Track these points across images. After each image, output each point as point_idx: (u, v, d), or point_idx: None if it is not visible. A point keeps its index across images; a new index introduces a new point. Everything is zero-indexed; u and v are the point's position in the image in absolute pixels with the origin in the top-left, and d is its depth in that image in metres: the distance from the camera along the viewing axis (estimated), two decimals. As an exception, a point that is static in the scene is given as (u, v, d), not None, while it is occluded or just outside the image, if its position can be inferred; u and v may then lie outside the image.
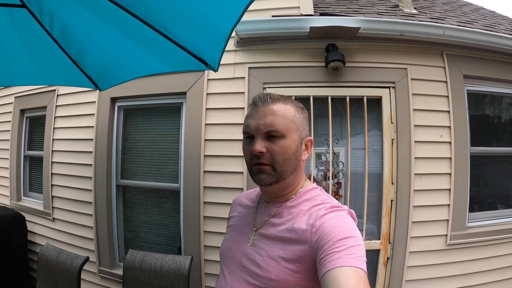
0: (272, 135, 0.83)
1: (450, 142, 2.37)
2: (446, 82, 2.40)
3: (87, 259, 2.22)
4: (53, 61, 1.84)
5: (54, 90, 3.18)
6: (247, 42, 2.42)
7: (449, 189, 2.35)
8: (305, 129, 0.90)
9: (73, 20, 1.54)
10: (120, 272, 2.60)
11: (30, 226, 3.38)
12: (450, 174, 2.36)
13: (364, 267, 0.67)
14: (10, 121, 3.72)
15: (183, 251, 2.47)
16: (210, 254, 2.40)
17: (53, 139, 3.15)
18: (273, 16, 2.41)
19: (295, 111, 0.88)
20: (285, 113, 0.85)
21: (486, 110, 2.75)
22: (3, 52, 1.84)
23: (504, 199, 2.80)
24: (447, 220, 2.34)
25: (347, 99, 2.35)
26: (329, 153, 2.38)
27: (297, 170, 0.88)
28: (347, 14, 2.55)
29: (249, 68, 2.41)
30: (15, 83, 2.57)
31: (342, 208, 0.82)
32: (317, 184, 0.97)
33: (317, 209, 0.82)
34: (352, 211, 0.85)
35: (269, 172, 0.84)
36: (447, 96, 2.39)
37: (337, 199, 2.36)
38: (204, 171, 2.38)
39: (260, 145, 0.83)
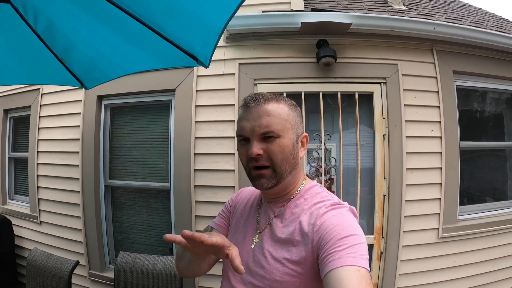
0: (268, 136, 0.81)
1: (440, 137, 2.39)
2: (436, 77, 2.42)
3: (77, 263, 2.16)
4: (37, 59, 1.77)
5: (39, 89, 3.08)
6: (237, 38, 2.38)
7: (440, 183, 2.38)
8: (300, 126, 0.89)
9: (59, 15, 1.48)
10: (111, 275, 2.55)
11: (17, 230, 3.28)
12: (440, 168, 2.38)
13: (367, 265, 0.66)
14: (-8, 122, 3.60)
15: (175, 252, 2.43)
16: (202, 254, 2.37)
17: (38, 140, 3.06)
18: (263, 12, 2.38)
19: (289, 109, 0.87)
20: (279, 113, 0.83)
21: (474, 105, 2.78)
22: None
23: (492, 192, 2.86)
24: (439, 213, 2.37)
25: (339, 95, 2.35)
26: (321, 149, 2.37)
27: (296, 168, 0.87)
28: (338, 10, 2.54)
29: (239, 64, 2.38)
30: (0, 83, 2.48)
31: (343, 205, 0.81)
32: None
33: (317, 207, 0.81)
34: (353, 207, 0.84)
35: (269, 176, 0.82)
36: (437, 92, 2.41)
37: (330, 195, 2.39)
38: (195, 170, 2.34)
39: (256, 148, 0.81)
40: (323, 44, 2.28)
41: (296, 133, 0.86)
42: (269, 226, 0.87)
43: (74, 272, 2.15)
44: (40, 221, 3.06)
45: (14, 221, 3.27)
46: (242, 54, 2.40)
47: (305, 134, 0.91)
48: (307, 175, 0.99)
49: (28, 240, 3.24)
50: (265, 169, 0.82)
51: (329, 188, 2.42)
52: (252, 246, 0.88)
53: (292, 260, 0.77)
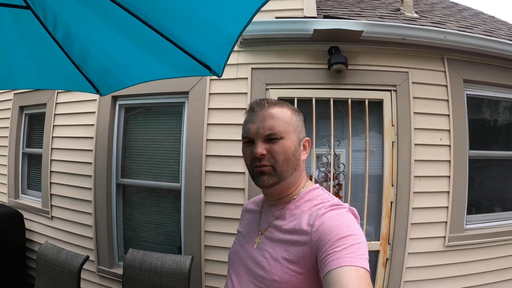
0: (272, 138, 0.86)
1: (449, 146, 2.40)
2: (446, 86, 2.42)
3: (87, 258, 2.20)
4: (54, 64, 1.82)
5: (54, 87, 3.15)
6: (251, 43, 2.43)
7: (448, 192, 2.38)
8: (302, 130, 0.94)
9: (78, 23, 1.52)
10: (119, 271, 2.60)
11: (28, 224, 3.35)
12: (449, 176, 2.38)
13: (366, 265, 0.67)
14: (9, 117, 3.69)
15: (184, 251, 2.47)
16: (210, 254, 2.41)
17: (52, 137, 3.13)
18: (276, 18, 2.42)
19: (292, 113, 0.92)
20: (282, 116, 0.89)
21: (484, 114, 2.78)
22: (5, 54, 1.80)
23: (501, 202, 2.84)
24: (446, 222, 2.37)
25: (349, 101, 2.37)
26: (330, 154, 2.39)
27: (297, 170, 0.90)
28: (350, 17, 2.57)
29: (252, 69, 2.42)
30: (16, 86, 2.53)
31: (342, 206, 0.83)
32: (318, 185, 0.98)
33: (317, 208, 0.83)
34: (354, 209, 0.85)
35: (270, 173, 0.86)
36: (447, 100, 2.42)
37: (337, 200, 2.40)
38: (206, 171, 2.38)
39: (261, 148, 0.86)
40: (334, 51, 2.31)
41: (299, 136, 0.91)
42: (270, 227, 0.91)
43: (83, 267, 2.19)
44: (52, 216, 3.12)
45: (25, 215, 3.34)
46: (255, 59, 2.44)
47: (307, 138, 0.95)
48: (314, 179, 1.02)
49: (39, 234, 3.30)
50: (266, 166, 0.86)
51: (337, 194, 2.44)
52: (254, 247, 0.91)
53: (290, 259, 0.79)
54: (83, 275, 2.75)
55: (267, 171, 0.86)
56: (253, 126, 0.89)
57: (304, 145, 0.94)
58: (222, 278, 2.37)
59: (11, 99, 3.71)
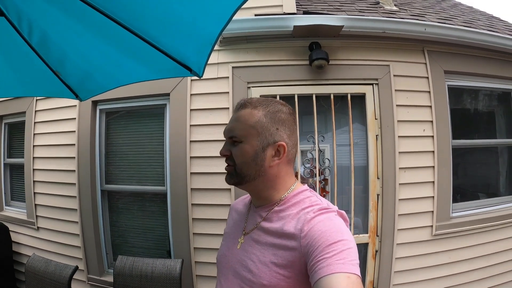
0: (234, 140, 0.88)
1: (432, 136, 2.43)
2: (427, 78, 2.45)
3: (76, 268, 2.16)
4: (32, 71, 1.77)
5: (33, 94, 3.08)
6: (230, 42, 2.40)
7: (433, 182, 2.41)
8: (275, 134, 0.86)
9: (54, 28, 1.49)
10: (109, 279, 2.56)
11: (14, 237, 3.27)
12: (433, 167, 2.42)
13: (357, 271, 0.66)
14: (-14, 128, 3.59)
15: (173, 255, 2.45)
16: (200, 256, 2.39)
17: (33, 146, 3.05)
18: (256, 15, 2.40)
19: (263, 116, 0.86)
20: (246, 119, 0.87)
21: (466, 104, 2.82)
22: None
23: (485, 188, 2.90)
24: (432, 211, 2.41)
25: (331, 96, 2.37)
26: (315, 150, 2.39)
27: (262, 175, 0.86)
28: (329, 12, 2.56)
29: (232, 67, 2.40)
30: None
31: (331, 210, 0.81)
32: (303, 181, 0.96)
33: (305, 212, 0.80)
34: (343, 212, 0.84)
35: (231, 173, 0.89)
36: (429, 92, 2.44)
37: (324, 195, 2.41)
38: (191, 173, 2.36)
39: (224, 149, 0.90)
40: (315, 47, 2.30)
41: (265, 141, 0.85)
42: (256, 229, 0.89)
43: (73, 277, 2.15)
44: (38, 227, 3.06)
45: (11, 227, 3.26)
46: (236, 58, 2.42)
47: (281, 143, 0.86)
48: (300, 175, 1.01)
49: (26, 246, 3.23)
50: (229, 166, 0.90)
51: (323, 189, 2.45)
52: (238, 247, 0.91)
53: (279, 264, 0.78)
54: (74, 285, 2.69)
55: (228, 170, 0.90)
56: (225, 128, 0.92)
57: (277, 150, 0.86)
58: (213, 280, 2.35)
59: (-11, 109, 3.61)
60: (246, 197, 1.09)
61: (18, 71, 1.83)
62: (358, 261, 0.69)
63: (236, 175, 0.88)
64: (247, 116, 0.87)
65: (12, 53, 1.65)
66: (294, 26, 2.23)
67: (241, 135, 0.86)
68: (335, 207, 0.83)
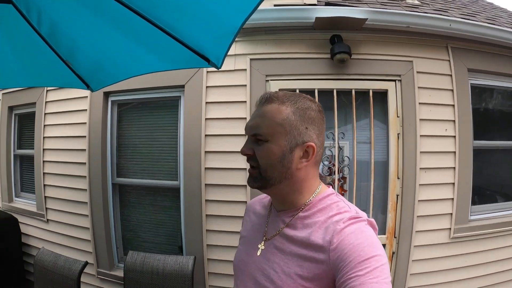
0: (258, 138, 0.79)
1: (454, 136, 2.35)
2: (451, 75, 2.37)
3: (86, 264, 2.11)
4: (42, 61, 1.72)
5: (43, 85, 3.03)
6: (249, 32, 2.32)
7: (453, 183, 2.34)
8: (304, 134, 0.79)
9: (64, 16, 1.43)
10: (119, 273, 2.54)
11: (23, 228, 3.26)
12: (454, 168, 2.35)
13: None
14: (-3, 119, 3.57)
15: (185, 251, 2.41)
16: (213, 253, 2.34)
17: (44, 137, 3.02)
18: (275, 5, 2.32)
19: (292, 113, 0.79)
20: (273, 115, 0.78)
21: (489, 104, 2.73)
22: None
23: (503, 190, 2.82)
24: (451, 214, 2.34)
25: (353, 92, 2.30)
26: (334, 147, 2.33)
27: (289, 178, 0.80)
28: (352, 4, 2.48)
29: (250, 59, 2.32)
30: (2, 85, 2.44)
31: (361, 219, 0.75)
32: (321, 179, 0.90)
33: (334, 221, 0.74)
34: (372, 220, 0.78)
35: (255, 176, 0.81)
36: (452, 90, 2.36)
37: (342, 194, 2.35)
38: (205, 168, 2.30)
39: (246, 147, 0.81)
40: (337, 40, 2.22)
41: (293, 141, 0.78)
42: (278, 236, 0.82)
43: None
44: (47, 219, 3.03)
45: (20, 219, 3.25)
46: (254, 49, 2.34)
47: (310, 143, 0.79)
48: (319, 174, 0.93)
49: (35, 238, 3.22)
50: (253, 169, 0.81)
51: (341, 188, 2.38)
52: (258, 253, 0.85)
53: (305, 276, 0.72)
54: (83, 278, 2.66)
55: (252, 173, 0.81)
56: (248, 123, 0.83)
57: (306, 151, 0.79)
58: (226, 278, 2.31)
59: (-1, 99, 3.58)
60: (264, 197, 1.01)
61: (27, 61, 1.78)
62: (390, 278, 0.65)
63: (261, 178, 0.80)
64: (274, 112, 0.78)
65: (20, 43, 1.60)
66: (316, 18, 2.15)
67: (267, 133, 0.78)
68: (364, 214, 0.77)
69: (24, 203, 3.43)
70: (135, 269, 2.19)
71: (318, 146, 0.81)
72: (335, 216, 0.75)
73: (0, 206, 3.56)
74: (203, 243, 2.33)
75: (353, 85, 2.29)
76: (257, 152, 0.79)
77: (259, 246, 0.86)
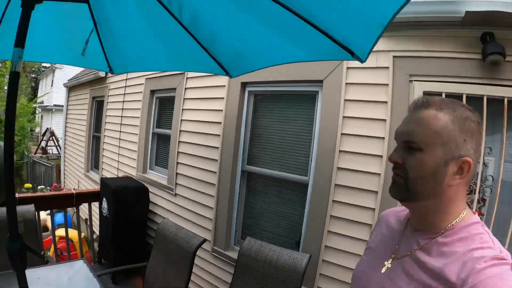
0: (411, 146, 0.73)
1: None
2: None
3: (204, 241, 2.22)
4: (183, 48, 1.86)
5: (183, 73, 3.38)
6: (392, 27, 2.13)
7: None
8: (462, 146, 0.71)
9: (204, 6, 1.51)
10: (232, 254, 2.67)
11: (151, 198, 3.72)
12: None
13: None
14: (141, 100, 4.13)
15: (302, 247, 2.39)
16: (330, 255, 2.27)
17: (181, 120, 3.37)
18: (421, -2, 2.10)
19: (450, 121, 0.71)
20: (430, 123, 0.72)
21: None
22: (134, 40, 1.92)
23: None
24: None
25: (505, 101, 1.94)
26: (479, 163, 2.02)
27: (438, 196, 0.73)
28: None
29: (393, 57, 2.16)
30: (146, 68, 2.74)
31: (506, 261, 0.64)
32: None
33: (474, 257, 0.65)
34: None
35: (400, 186, 0.75)
36: None
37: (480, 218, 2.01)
38: (338, 168, 2.23)
39: (395, 155, 0.77)
40: (489, 38, 1.90)
41: (449, 153, 0.71)
42: (409, 258, 0.76)
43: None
44: (175, 193, 3.39)
45: (151, 189, 3.71)
46: (397, 46, 2.16)
47: (466, 158, 0.70)
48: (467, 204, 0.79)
49: (161, 208, 3.64)
50: (400, 177, 0.76)
51: (480, 212, 2.05)
52: (382, 271, 0.80)
53: None
54: (198, 251, 2.91)
55: (396, 180, 0.77)
56: (399, 129, 0.79)
57: (461, 167, 0.71)
58: (336, 282, 2.22)
59: (142, 83, 4.14)
60: (401, 210, 0.93)
61: (168, 47, 1.94)
62: None
63: (407, 190, 0.74)
64: (431, 120, 0.72)
65: (163, 31, 1.75)
66: (466, 12, 1.86)
67: (422, 142, 0.72)
68: (509, 255, 0.66)
69: (156, 175, 3.90)
70: (249, 255, 2.26)
71: (474, 163, 0.72)
72: (477, 251, 0.67)
73: (135, 175, 4.12)
74: (321, 243, 2.28)
75: (506, 92, 1.93)
76: (407, 161, 0.74)
77: (386, 263, 0.81)
